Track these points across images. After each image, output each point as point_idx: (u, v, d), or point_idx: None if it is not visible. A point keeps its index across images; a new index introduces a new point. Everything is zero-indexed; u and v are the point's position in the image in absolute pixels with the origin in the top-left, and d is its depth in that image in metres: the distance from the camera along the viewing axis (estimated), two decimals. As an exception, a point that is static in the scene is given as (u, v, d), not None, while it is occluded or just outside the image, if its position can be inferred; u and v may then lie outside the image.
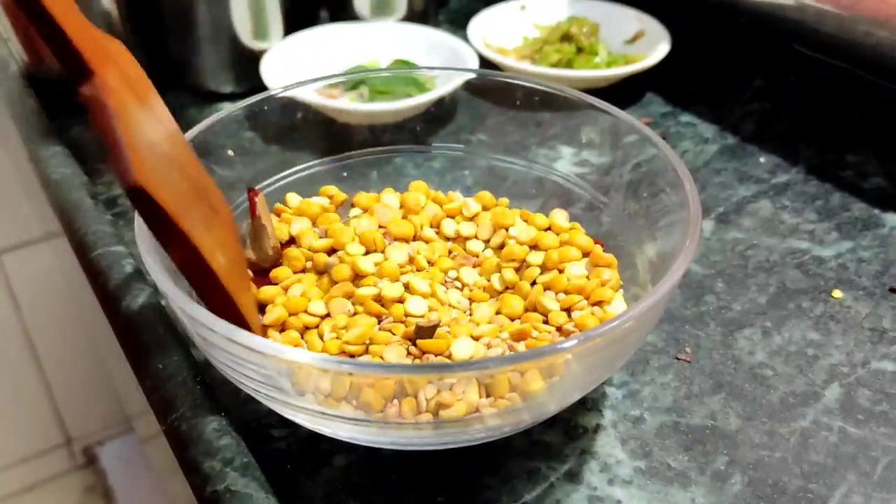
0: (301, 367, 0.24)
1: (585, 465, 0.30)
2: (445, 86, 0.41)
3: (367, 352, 0.29)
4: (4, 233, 0.90)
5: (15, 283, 0.93)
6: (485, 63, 0.52)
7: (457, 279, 0.33)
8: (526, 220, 0.35)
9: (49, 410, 1.05)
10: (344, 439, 0.28)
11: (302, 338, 0.30)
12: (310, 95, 0.38)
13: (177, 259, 0.27)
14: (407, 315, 0.30)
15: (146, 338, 0.32)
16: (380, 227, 0.34)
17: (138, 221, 0.27)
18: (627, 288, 0.33)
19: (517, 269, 0.33)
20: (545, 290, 0.32)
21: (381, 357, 0.29)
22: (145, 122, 0.25)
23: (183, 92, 0.53)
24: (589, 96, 0.35)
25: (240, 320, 0.28)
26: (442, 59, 0.50)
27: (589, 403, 0.33)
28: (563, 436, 0.31)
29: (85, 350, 1.00)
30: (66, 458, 1.11)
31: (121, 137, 0.23)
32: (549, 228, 0.35)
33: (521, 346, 0.29)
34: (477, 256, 0.34)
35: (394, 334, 0.29)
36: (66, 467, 1.11)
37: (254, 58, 0.50)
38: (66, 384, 1.04)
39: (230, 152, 0.36)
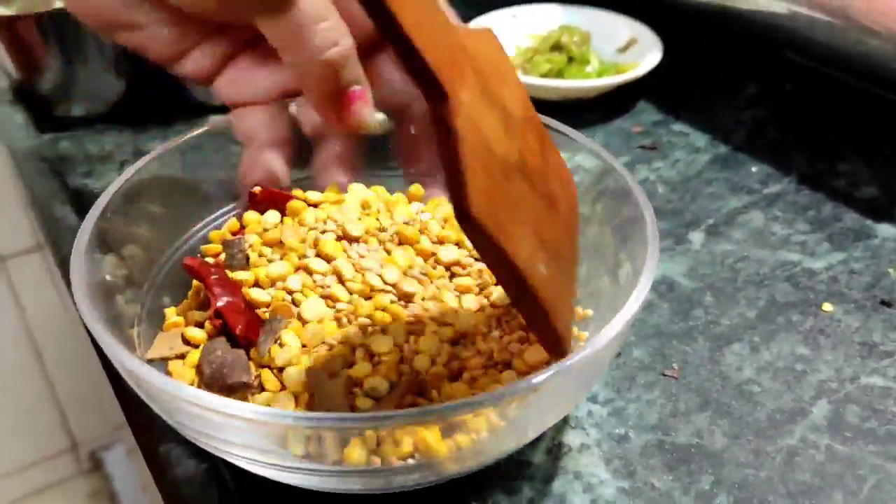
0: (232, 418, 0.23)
1: (569, 485, 0.30)
2: None
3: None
4: (9, 239, 0.90)
5: (20, 288, 0.94)
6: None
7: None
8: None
9: (54, 415, 1.05)
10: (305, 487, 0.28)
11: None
12: (293, 109, 0.38)
13: (501, 277, 0.26)
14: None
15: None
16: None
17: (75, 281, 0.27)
18: (612, 304, 0.32)
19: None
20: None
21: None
22: (494, 123, 0.24)
23: (171, 104, 0.53)
24: (544, 118, 0.34)
25: (554, 335, 0.27)
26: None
27: (573, 421, 0.32)
28: (546, 455, 0.31)
29: (89, 354, 1.00)
30: (71, 462, 1.11)
31: (462, 166, 0.22)
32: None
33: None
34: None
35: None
36: (71, 472, 1.12)
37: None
38: (71, 388, 1.04)
39: (216, 166, 0.35)
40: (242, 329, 0.28)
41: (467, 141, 0.22)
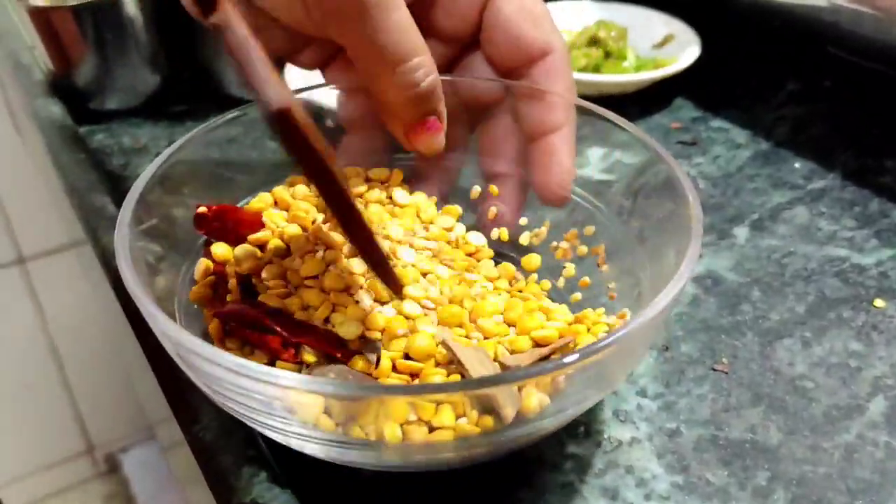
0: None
1: (621, 479, 0.29)
2: None
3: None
4: (29, 241, 0.90)
5: (40, 290, 0.94)
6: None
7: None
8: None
9: (72, 417, 1.05)
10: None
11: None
12: (330, 99, 0.38)
13: (321, 188, 0.26)
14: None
15: (171, 346, 0.31)
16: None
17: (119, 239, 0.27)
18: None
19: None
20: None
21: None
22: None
23: (207, 98, 0.53)
24: (590, 104, 0.34)
25: (377, 247, 0.27)
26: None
27: (622, 415, 0.32)
28: (596, 448, 0.30)
29: (108, 357, 1.00)
30: (88, 465, 1.11)
31: (261, 61, 0.22)
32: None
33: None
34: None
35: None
36: (88, 475, 1.12)
37: (278, 64, 0.50)
38: (89, 391, 1.04)
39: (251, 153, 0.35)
40: (333, 349, 0.28)
41: (256, 43, 0.22)
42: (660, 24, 0.55)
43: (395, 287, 0.28)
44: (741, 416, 0.32)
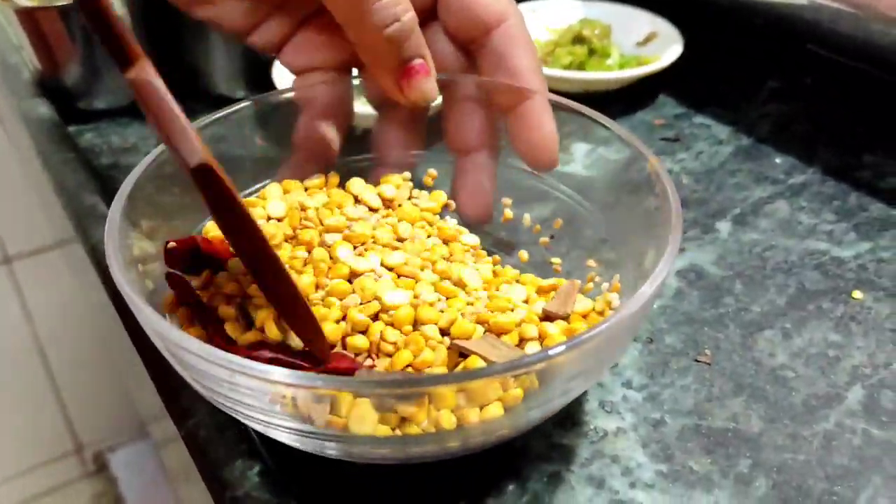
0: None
1: (606, 468, 0.30)
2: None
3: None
4: (16, 241, 0.90)
5: (26, 290, 0.94)
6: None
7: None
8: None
9: (59, 417, 1.05)
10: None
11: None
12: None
13: (239, 245, 0.26)
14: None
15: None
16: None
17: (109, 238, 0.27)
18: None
19: None
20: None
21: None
22: None
23: (194, 97, 0.53)
24: (573, 102, 0.34)
25: (304, 305, 0.27)
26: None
27: (608, 406, 0.32)
28: (582, 439, 0.31)
29: (96, 356, 1.00)
30: (76, 464, 1.11)
31: (180, 117, 0.22)
32: None
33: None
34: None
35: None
36: (76, 474, 1.11)
37: (266, 63, 0.50)
38: (76, 390, 1.04)
39: (239, 150, 0.35)
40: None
41: (172, 99, 0.22)
42: (643, 22, 0.56)
43: (323, 349, 0.27)
44: (724, 406, 0.32)
